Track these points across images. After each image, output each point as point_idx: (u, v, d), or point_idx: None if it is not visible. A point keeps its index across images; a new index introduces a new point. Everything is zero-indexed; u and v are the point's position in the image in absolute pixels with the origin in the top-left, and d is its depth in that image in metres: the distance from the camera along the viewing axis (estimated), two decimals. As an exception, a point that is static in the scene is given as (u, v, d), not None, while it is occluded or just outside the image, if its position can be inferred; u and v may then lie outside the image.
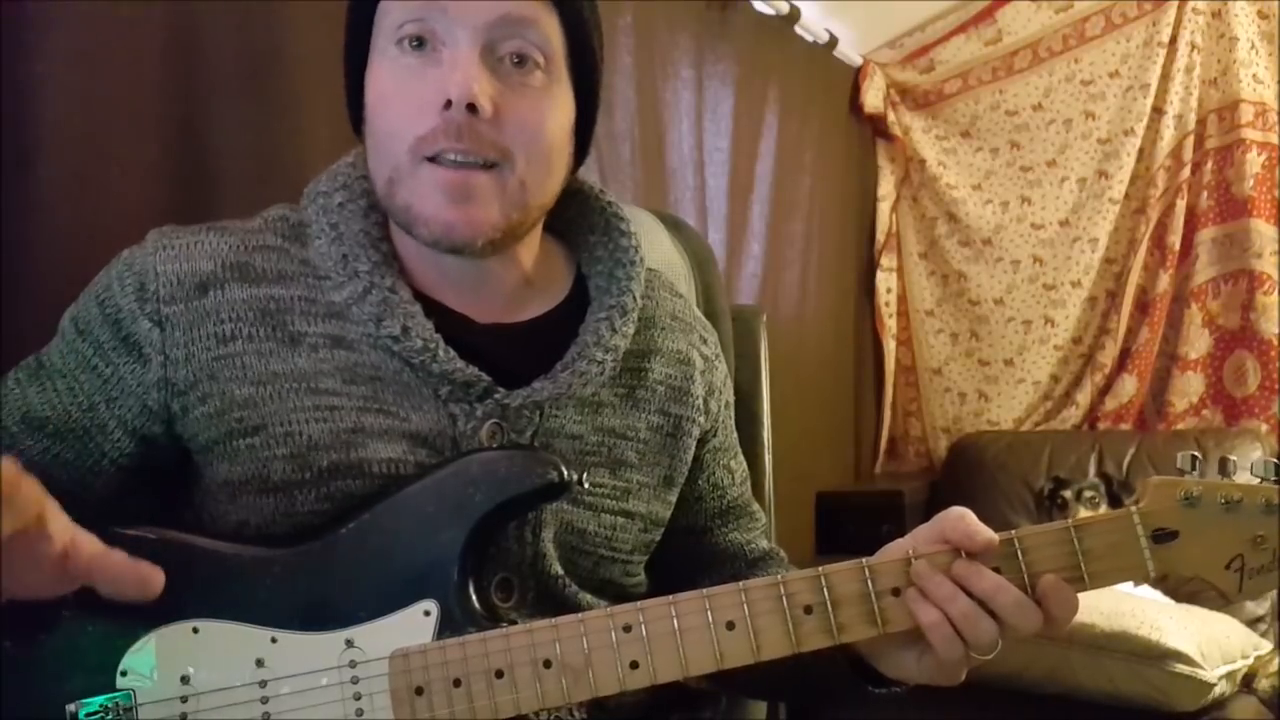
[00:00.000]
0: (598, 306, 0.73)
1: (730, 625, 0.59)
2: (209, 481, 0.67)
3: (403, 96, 0.65)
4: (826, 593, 0.60)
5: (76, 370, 0.67)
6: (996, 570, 0.60)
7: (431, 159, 0.64)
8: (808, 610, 0.59)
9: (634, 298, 0.74)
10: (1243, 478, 0.61)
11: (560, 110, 0.68)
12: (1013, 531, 0.61)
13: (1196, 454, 0.62)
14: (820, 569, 0.60)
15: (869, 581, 0.60)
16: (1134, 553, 0.61)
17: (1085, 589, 0.60)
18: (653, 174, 1.80)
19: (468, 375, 0.66)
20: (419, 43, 0.64)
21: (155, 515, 0.67)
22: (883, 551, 0.62)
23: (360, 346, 0.67)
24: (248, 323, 0.66)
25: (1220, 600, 0.61)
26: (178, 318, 0.66)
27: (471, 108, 0.62)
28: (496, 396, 0.67)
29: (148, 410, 0.67)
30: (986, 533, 0.60)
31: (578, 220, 0.78)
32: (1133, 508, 0.61)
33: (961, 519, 0.61)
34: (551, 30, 0.66)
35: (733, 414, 0.85)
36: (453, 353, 0.66)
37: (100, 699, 0.57)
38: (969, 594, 0.59)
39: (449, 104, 0.62)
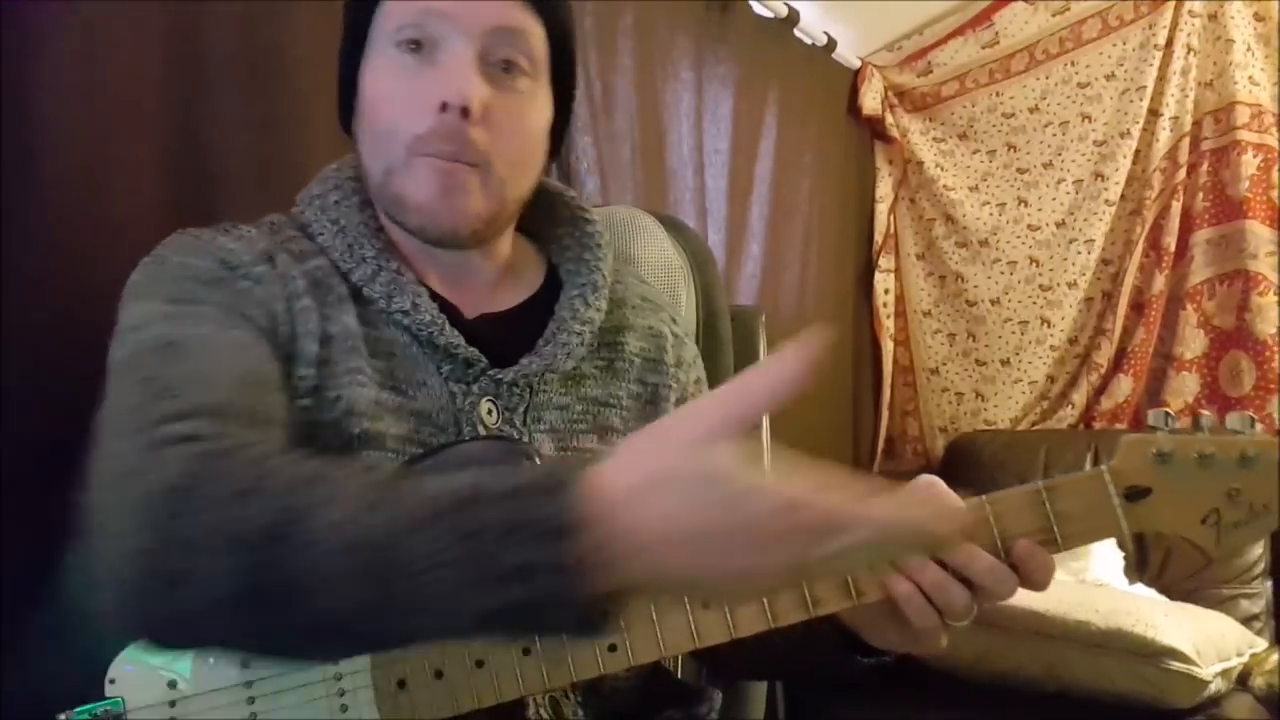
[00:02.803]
0: (571, 286, 0.78)
1: (705, 603, 0.59)
2: None
3: (401, 96, 0.69)
4: None
5: (212, 332, 0.62)
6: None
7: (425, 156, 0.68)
8: None
9: (603, 275, 0.78)
10: (1218, 433, 0.59)
11: (540, 113, 0.73)
12: (983, 497, 0.61)
13: (1169, 410, 0.60)
14: None
15: None
16: (1107, 512, 0.59)
17: (1059, 550, 0.60)
18: (653, 175, 1.81)
19: (468, 354, 0.70)
20: (416, 46, 0.68)
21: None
22: None
23: (376, 322, 0.70)
24: (305, 290, 0.68)
25: (1198, 556, 0.60)
26: (264, 277, 0.67)
27: (465, 111, 0.67)
28: (491, 374, 0.71)
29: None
30: (953, 499, 0.60)
31: (545, 216, 0.83)
32: (1104, 467, 0.60)
33: (930, 487, 0.61)
34: (538, 40, 0.71)
35: (705, 391, 0.86)
36: (456, 330, 0.70)
37: (89, 707, 0.57)
38: (943, 563, 0.59)
39: (445, 106, 0.67)
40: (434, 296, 0.72)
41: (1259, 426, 0.60)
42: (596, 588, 0.43)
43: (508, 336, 0.74)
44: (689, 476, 0.42)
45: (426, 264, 0.74)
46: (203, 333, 0.62)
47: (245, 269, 0.67)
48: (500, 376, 0.71)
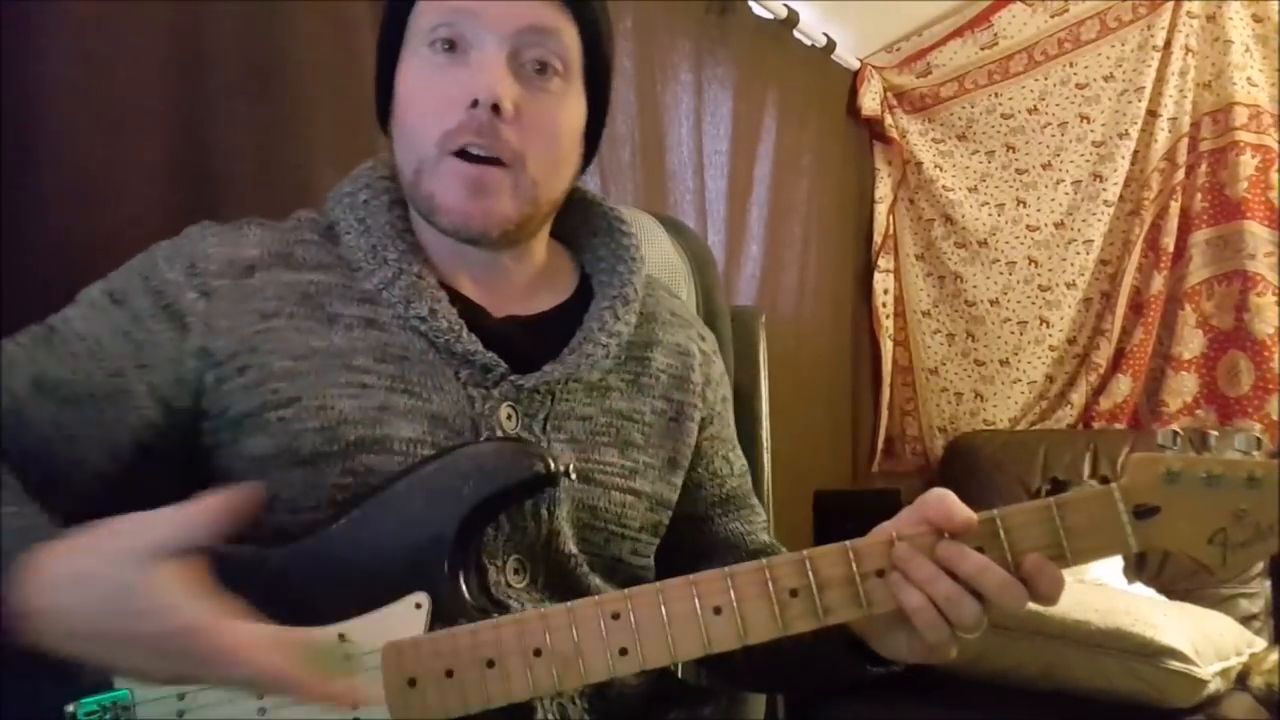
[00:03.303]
0: (601, 297, 0.78)
1: (717, 610, 0.59)
2: (231, 462, 0.68)
3: (432, 93, 0.70)
4: (812, 576, 0.60)
5: (104, 335, 0.68)
6: (980, 550, 0.60)
7: (456, 153, 0.69)
8: (793, 593, 0.60)
9: (635, 289, 0.78)
10: (1225, 453, 0.61)
11: (573, 114, 0.73)
12: (995, 511, 0.61)
13: (1178, 430, 0.61)
14: (805, 552, 0.61)
15: (854, 564, 0.60)
16: (1116, 530, 0.60)
17: (1068, 565, 0.60)
18: (653, 177, 1.81)
19: (486, 359, 0.70)
20: (450, 45, 0.70)
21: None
22: (869, 534, 0.63)
23: (390, 327, 0.70)
24: (290, 303, 0.69)
25: (1204, 574, 0.61)
26: (225, 291, 0.69)
27: (495, 108, 0.67)
28: (511, 379, 0.71)
29: (181, 380, 0.68)
30: (965, 512, 0.61)
31: (581, 224, 0.83)
32: (1114, 485, 0.61)
33: (941, 500, 0.61)
34: (570, 40, 0.71)
35: (731, 410, 0.87)
36: (474, 336, 0.70)
37: (98, 698, 0.56)
38: (954, 576, 0.59)
39: (475, 103, 0.67)
40: (460, 298, 0.73)
41: (1266, 445, 0.61)
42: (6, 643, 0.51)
43: (534, 341, 0.74)
44: (109, 582, 0.50)
45: (457, 264, 0.75)
46: (77, 330, 0.68)
47: (205, 279, 0.69)
48: (521, 382, 0.71)
